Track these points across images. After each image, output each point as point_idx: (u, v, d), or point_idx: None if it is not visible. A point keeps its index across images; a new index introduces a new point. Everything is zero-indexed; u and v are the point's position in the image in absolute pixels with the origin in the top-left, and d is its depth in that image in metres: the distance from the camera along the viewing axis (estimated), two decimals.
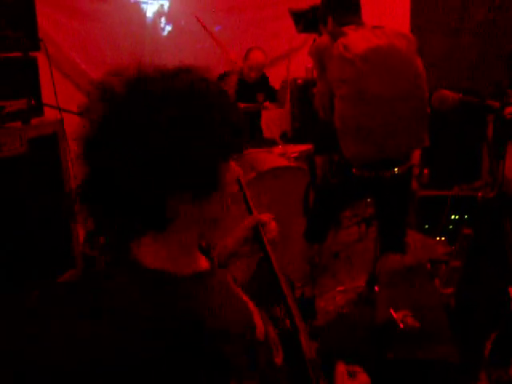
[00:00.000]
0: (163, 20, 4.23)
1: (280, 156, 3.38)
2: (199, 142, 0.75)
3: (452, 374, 2.03)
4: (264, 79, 4.06)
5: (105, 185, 0.77)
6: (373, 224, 3.39)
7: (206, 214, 0.83)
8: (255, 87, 3.96)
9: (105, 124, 0.77)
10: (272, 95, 4.05)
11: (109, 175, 0.75)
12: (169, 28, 4.24)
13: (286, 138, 4.19)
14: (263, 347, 0.90)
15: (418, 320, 2.45)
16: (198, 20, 3.68)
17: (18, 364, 1.19)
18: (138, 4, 4.08)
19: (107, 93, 0.77)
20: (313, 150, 3.64)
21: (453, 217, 3.59)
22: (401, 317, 2.48)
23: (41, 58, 2.65)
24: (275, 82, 4.14)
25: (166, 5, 4.20)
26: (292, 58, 4.00)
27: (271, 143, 3.74)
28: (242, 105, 3.66)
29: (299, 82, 4.22)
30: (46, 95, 2.66)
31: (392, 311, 2.46)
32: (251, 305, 0.97)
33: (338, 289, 3.00)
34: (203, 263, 0.95)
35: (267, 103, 3.96)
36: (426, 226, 3.65)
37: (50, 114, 2.68)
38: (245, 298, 0.98)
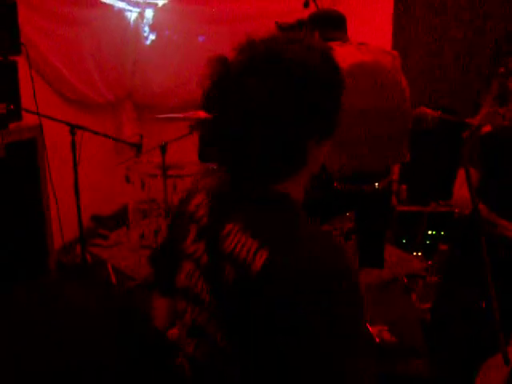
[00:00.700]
0: (147, 29, 4.23)
1: None
2: (333, 93, 0.96)
3: None
4: None
5: (264, 137, 0.90)
6: (351, 238, 3.41)
7: (321, 158, 1.00)
8: None
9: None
10: None
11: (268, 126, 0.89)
12: (152, 37, 4.24)
13: None
14: None
15: (394, 335, 2.46)
16: None
17: None
18: (122, 12, 4.08)
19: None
20: None
21: (430, 232, 3.64)
22: (377, 331, 2.49)
23: (21, 62, 2.62)
24: None
25: (150, 14, 4.20)
26: None
27: None
28: None
29: None
30: (26, 100, 2.62)
31: (368, 326, 2.46)
32: None
33: None
34: None
35: None
36: (404, 241, 3.69)
37: (29, 119, 2.64)
38: None
